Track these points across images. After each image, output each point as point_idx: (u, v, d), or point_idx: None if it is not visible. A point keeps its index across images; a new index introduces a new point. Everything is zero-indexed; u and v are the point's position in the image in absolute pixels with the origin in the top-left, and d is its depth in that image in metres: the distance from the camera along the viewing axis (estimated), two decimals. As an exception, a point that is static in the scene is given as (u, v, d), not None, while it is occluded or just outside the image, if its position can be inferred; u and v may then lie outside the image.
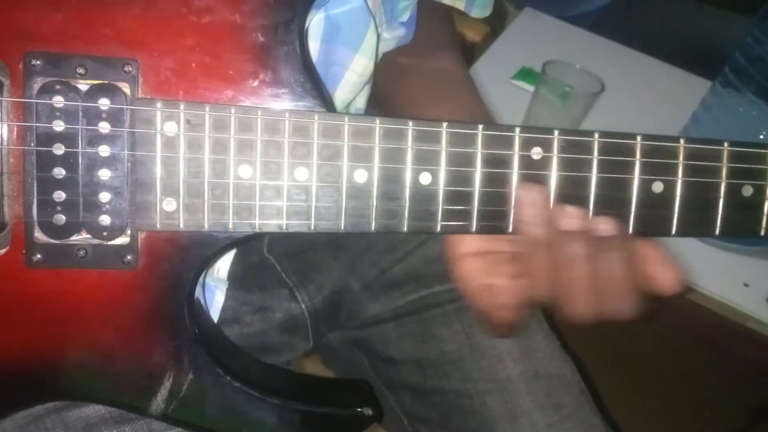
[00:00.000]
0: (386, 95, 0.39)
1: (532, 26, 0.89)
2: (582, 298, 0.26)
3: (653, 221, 0.29)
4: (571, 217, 0.26)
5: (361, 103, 0.40)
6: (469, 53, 0.83)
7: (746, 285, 0.63)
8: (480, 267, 0.30)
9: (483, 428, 0.38)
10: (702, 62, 0.83)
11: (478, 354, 0.40)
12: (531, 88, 0.73)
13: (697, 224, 0.29)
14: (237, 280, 0.39)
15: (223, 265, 0.36)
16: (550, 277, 0.26)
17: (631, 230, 0.29)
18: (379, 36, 0.35)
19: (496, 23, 0.91)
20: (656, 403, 0.89)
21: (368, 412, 0.30)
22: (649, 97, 0.79)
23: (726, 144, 0.29)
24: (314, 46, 0.33)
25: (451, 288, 0.42)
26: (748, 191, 0.29)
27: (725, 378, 0.87)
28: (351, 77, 0.34)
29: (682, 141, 0.29)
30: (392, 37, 0.39)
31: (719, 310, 0.62)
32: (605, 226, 0.26)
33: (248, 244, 0.41)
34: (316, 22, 0.32)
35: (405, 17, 0.39)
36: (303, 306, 0.42)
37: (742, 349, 0.65)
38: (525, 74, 0.79)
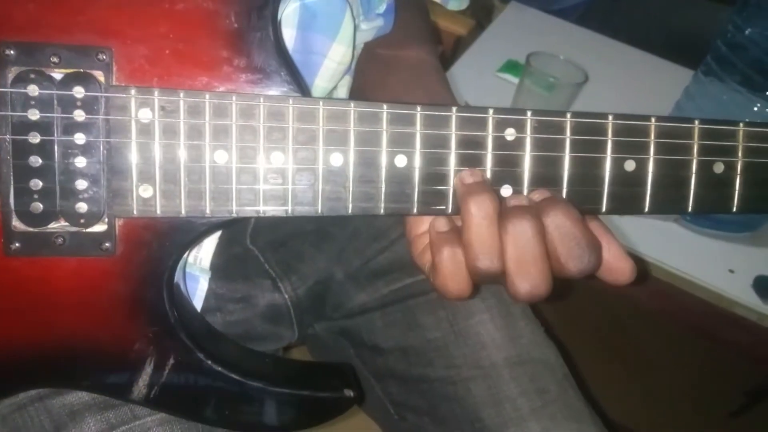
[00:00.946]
0: (364, 86, 0.40)
1: (518, 19, 0.89)
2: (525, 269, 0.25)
3: (626, 199, 0.29)
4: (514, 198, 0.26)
5: (343, 93, 0.40)
6: (455, 47, 0.84)
7: (731, 271, 0.64)
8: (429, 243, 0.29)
9: (468, 414, 0.39)
10: (685, 52, 0.84)
11: (461, 341, 0.40)
12: (517, 80, 0.73)
13: (669, 201, 0.30)
14: (220, 270, 0.39)
15: (206, 255, 0.36)
16: (489, 249, 0.25)
17: (604, 208, 0.29)
18: (356, 24, 0.35)
19: (482, 17, 0.91)
20: (643, 390, 0.89)
21: (349, 393, 0.30)
22: (633, 88, 0.80)
23: (697, 122, 0.30)
24: (290, 34, 0.33)
25: None
26: (719, 168, 0.30)
27: (713, 364, 0.88)
28: (330, 65, 0.35)
29: (653, 119, 0.29)
30: (371, 27, 0.39)
31: (705, 296, 0.63)
32: (537, 194, 0.26)
33: (231, 235, 0.41)
34: (291, 11, 0.33)
35: (382, 8, 0.39)
36: (286, 296, 0.42)
37: (729, 335, 0.65)
38: (511, 67, 0.79)
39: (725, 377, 0.88)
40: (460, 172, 0.27)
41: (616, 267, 0.27)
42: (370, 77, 0.39)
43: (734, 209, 0.30)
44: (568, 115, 0.29)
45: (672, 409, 0.87)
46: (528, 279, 0.25)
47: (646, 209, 0.30)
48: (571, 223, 0.26)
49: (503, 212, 0.26)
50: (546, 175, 0.29)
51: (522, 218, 0.25)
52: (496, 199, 0.26)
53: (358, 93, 0.40)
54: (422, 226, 0.30)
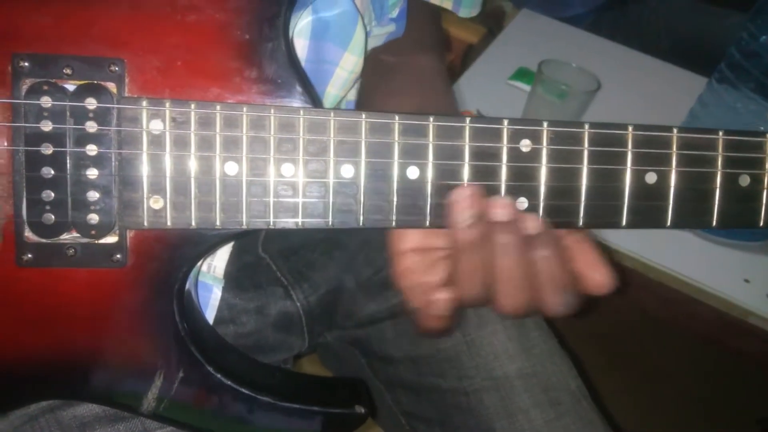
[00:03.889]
0: (365, 91, 0.39)
1: (530, 27, 0.89)
2: (511, 292, 0.26)
3: (647, 213, 0.28)
4: (500, 208, 0.26)
5: (353, 96, 0.40)
6: (466, 54, 0.84)
7: (746, 281, 0.63)
8: (418, 264, 0.29)
9: (480, 426, 0.38)
10: (696, 59, 0.83)
11: (474, 351, 0.39)
12: (528, 88, 0.73)
13: (693, 216, 0.29)
14: (232, 279, 0.39)
15: (220, 264, 0.36)
16: (479, 273, 0.26)
17: (624, 222, 0.28)
18: (367, 33, 0.35)
19: (493, 24, 0.91)
20: (657, 401, 0.87)
21: (361, 410, 0.29)
22: (646, 95, 0.79)
23: (721, 133, 0.29)
24: (303, 44, 0.33)
25: None
26: (745, 181, 0.29)
27: (727, 374, 0.86)
28: (341, 74, 0.34)
29: (675, 130, 0.28)
30: (382, 33, 0.39)
31: (720, 306, 0.62)
32: (532, 223, 0.26)
33: (243, 244, 0.41)
34: (305, 24, 0.33)
35: (395, 13, 0.39)
36: (298, 304, 0.42)
37: (743, 345, 0.64)
38: (522, 75, 0.79)
39: (739, 387, 0.86)
40: (457, 191, 0.26)
41: (589, 276, 0.27)
42: (373, 82, 0.39)
43: (761, 224, 0.29)
44: (586, 126, 0.28)
45: (686, 420, 0.85)
46: (512, 301, 0.26)
47: (668, 224, 0.29)
48: (559, 267, 0.26)
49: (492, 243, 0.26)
50: (563, 188, 0.28)
51: (513, 254, 0.26)
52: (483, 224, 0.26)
53: (359, 98, 0.39)
54: (407, 242, 0.29)
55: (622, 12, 1.04)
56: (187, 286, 0.29)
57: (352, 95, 0.39)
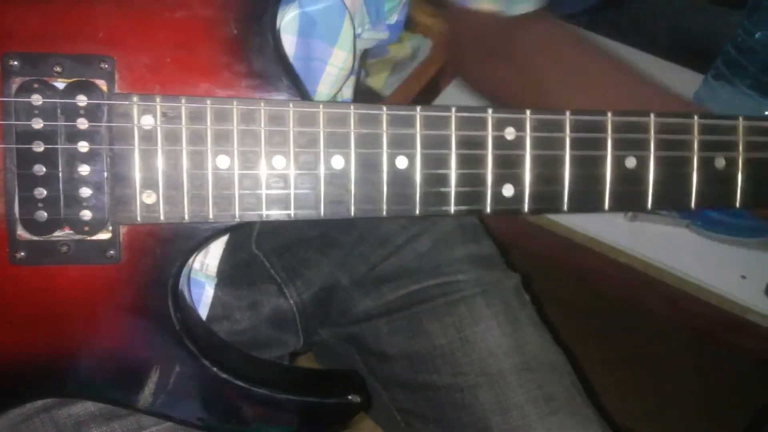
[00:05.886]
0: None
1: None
2: None
3: (628, 196, 0.29)
4: None
5: (348, 93, 0.40)
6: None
7: (743, 277, 0.63)
8: None
9: (476, 422, 0.38)
10: (693, 57, 0.83)
11: (468, 347, 0.39)
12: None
13: (672, 198, 0.30)
14: (226, 276, 0.39)
15: (212, 261, 0.36)
16: None
17: (606, 206, 0.29)
18: (356, 30, 0.36)
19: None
20: (653, 397, 0.88)
21: (356, 399, 0.30)
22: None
23: (696, 116, 0.30)
24: (291, 41, 0.33)
25: (441, 282, 0.42)
26: (720, 163, 0.30)
27: (725, 371, 0.86)
28: (332, 71, 0.35)
29: (652, 115, 0.29)
30: (375, 38, 0.39)
31: (717, 303, 0.62)
32: None
33: (237, 240, 0.41)
34: (291, 18, 0.33)
35: (392, 20, 0.39)
36: (291, 302, 0.42)
37: (741, 341, 0.64)
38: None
39: (737, 384, 0.87)
40: None
41: None
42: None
43: (738, 204, 0.30)
44: (567, 113, 0.29)
45: (683, 417, 0.86)
46: None
47: (649, 206, 0.30)
48: None
49: None
50: (547, 174, 0.29)
51: None
52: None
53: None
54: None
55: (618, 10, 1.05)
56: (181, 281, 0.29)
57: (347, 93, 0.40)
